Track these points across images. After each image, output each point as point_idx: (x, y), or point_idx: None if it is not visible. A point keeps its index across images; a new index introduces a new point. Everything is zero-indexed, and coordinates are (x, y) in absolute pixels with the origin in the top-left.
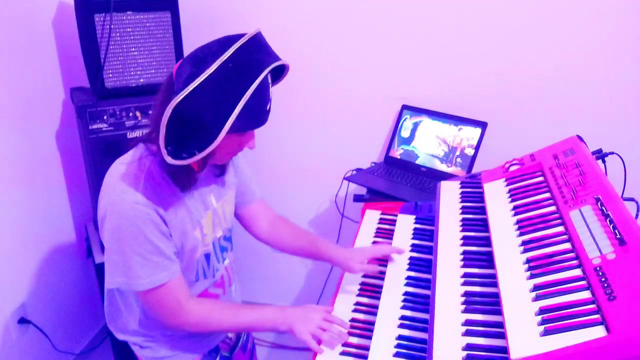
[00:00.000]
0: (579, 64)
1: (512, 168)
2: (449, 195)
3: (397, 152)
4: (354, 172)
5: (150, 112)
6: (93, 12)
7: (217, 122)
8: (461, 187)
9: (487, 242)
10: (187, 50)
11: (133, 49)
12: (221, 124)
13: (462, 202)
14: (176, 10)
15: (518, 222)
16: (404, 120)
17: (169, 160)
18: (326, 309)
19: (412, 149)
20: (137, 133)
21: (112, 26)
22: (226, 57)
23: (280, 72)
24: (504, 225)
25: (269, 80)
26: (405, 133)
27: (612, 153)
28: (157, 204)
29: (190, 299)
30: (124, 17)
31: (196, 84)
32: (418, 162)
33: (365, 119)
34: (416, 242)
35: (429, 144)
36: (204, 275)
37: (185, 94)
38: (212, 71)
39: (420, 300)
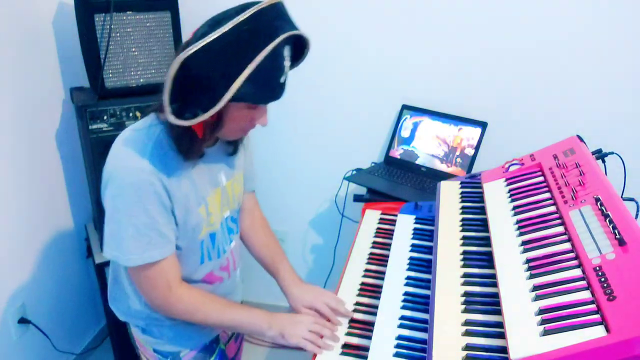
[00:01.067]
0: (579, 64)
1: (512, 168)
2: (449, 195)
3: (397, 152)
4: (354, 172)
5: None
6: (93, 12)
7: (224, 82)
8: (461, 187)
9: (487, 242)
10: None
11: (133, 49)
12: (228, 84)
13: (462, 202)
14: (176, 10)
15: (518, 222)
16: (404, 120)
17: (172, 119)
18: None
19: (412, 149)
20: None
21: (112, 26)
22: (242, 19)
23: (299, 52)
24: (504, 225)
25: (287, 53)
26: (405, 133)
27: (612, 153)
28: (162, 173)
29: (181, 285)
30: (124, 17)
31: (207, 41)
32: (418, 162)
33: (365, 118)
34: (416, 242)
35: (429, 144)
36: (209, 257)
37: (194, 49)
38: (225, 30)
39: (420, 300)
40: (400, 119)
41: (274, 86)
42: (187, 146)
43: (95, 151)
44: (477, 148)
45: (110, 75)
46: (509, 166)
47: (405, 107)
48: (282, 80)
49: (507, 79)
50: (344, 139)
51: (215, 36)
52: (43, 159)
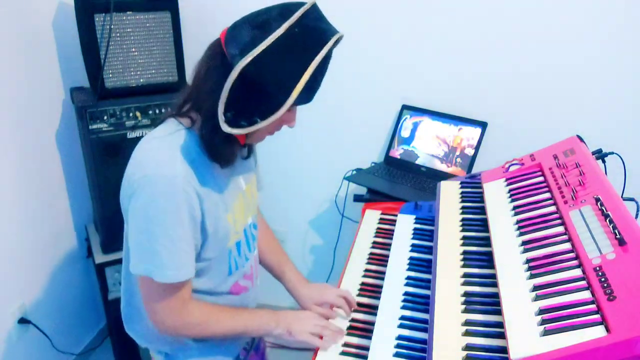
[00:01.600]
0: (579, 64)
1: (512, 168)
2: (449, 195)
3: (397, 152)
4: (354, 172)
5: (149, 110)
6: (93, 12)
7: (284, 88)
8: (461, 187)
9: (487, 242)
10: (188, 50)
11: (133, 49)
12: (289, 90)
13: (462, 202)
14: (176, 10)
15: (518, 222)
16: (404, 120)
17: (225, 128)
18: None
19: (412, 149)
20: (137, 133)
21: (112, 26)
22: (292, 22)
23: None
24: (504, 225)
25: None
26: (405, 133)
27: (612, 153)
28: (194, 181)
29: (191, 300)
30: (124, 17)
31: (264, 47)
32: (418, 162)
33: (365, 119)
34: (416, 242)
35: (429, 144)
36: (236, 266)
37: (252, 57)
38: (278, 35)
39: (420, 300)
40: (400, 119)
41: (318, 87)
42: (227, 154)
43: (96, 151)
44: (477, 148)
45: (110, 75)
46: (509, 166)
47: (405, 107)
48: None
49: (507, 79)
50: (344, 139)
51: (271, 40)
52: (43, 159)
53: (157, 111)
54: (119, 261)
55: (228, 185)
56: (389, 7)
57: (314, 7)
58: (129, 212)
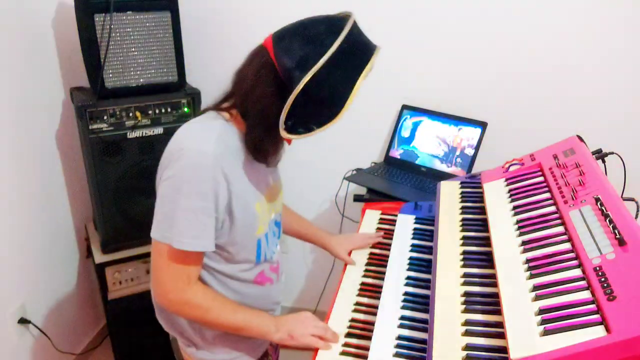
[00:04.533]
0: (579, 64)
1: (512, 168)
2: (449, 195)
3: (397, 152)
4: (354, 172)
5: (149, 110)
6: (93, 12)
7: (340, 100)
8: (461, 187)
9: (487, 242)
10: (187, 50)
11: (133, 49)
12: (343, 101)
13: (462, 202)
14: (176, 10)
15: (518, 222)
16: (404, 120)
17: (285, 135)
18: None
19: (412, 149)
20: (137, 133)
21: (112, 26)
22: (343, 37)
23: None
24: (504, 225)
25: None
26: (405, 133)
27: (612, 153)
28: (224, 162)
29: (198, 282)
30: (124, 17)
31: (322, 62)
32: (418, 162)
33: (365, 119)
34: (416, 242)
35: (429, 144)
36: (265, 256)
37: (314, 73)
38: (334, 50)
39: (420, 300)
40: (400, 119)
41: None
42: (273, 155)
43: (95, 151)
44: (477, 148)
45: (111, 75)
46: (509, 166)
47: (405, 107)
48: None
49: (507, 79)
50: (344, 139)
51: (327, 58)
52: (43, 159)
53: (157, 111)
54: (118, 261)
55: (257, 177)
56: (388, 7)
57: (354, 21)
58: (160, 182)
